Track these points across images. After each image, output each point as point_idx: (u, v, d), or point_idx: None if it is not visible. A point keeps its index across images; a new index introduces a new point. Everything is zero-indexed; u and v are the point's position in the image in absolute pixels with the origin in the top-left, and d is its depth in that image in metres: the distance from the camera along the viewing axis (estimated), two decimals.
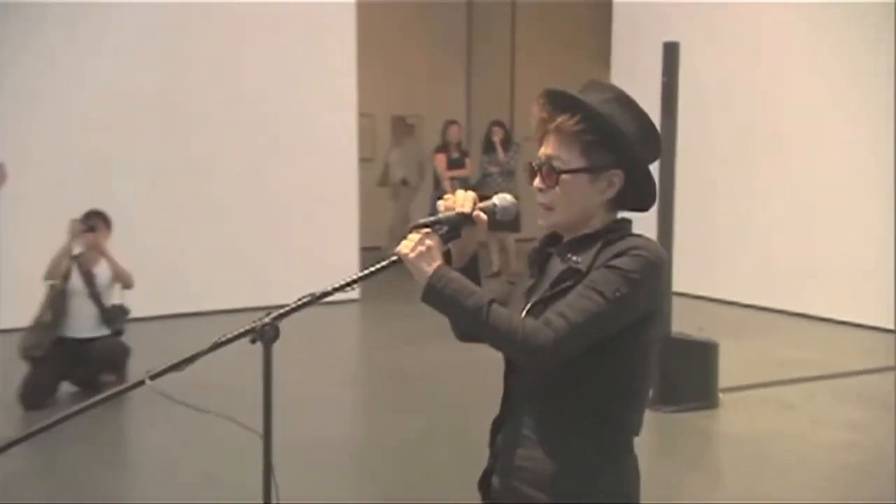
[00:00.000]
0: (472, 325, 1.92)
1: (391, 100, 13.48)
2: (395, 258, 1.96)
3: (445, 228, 2.00)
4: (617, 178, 1.99)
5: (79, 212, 6.27)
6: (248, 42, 9.12)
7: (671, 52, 6.18)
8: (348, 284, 1.95)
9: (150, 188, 8.42)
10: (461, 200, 2.02)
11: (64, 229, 6.18)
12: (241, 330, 1.87)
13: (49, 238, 6.29)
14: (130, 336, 6.37)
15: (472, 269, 2.08)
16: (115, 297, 6.31)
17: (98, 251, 6.23)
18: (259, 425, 1.91)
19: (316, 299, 1.90)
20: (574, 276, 1.92)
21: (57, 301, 6.14)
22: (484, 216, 2.03)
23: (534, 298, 1.99)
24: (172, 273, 8.20)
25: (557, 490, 1.94)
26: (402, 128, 12.92)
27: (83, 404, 1.92)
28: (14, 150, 5.94)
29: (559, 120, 1.97)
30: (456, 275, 1.94)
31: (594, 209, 2.00)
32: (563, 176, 1.97)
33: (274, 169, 9.21)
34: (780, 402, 6.37)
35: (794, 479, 5.11)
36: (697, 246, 9.05)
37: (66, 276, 6.15)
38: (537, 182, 2.02)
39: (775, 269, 9.24)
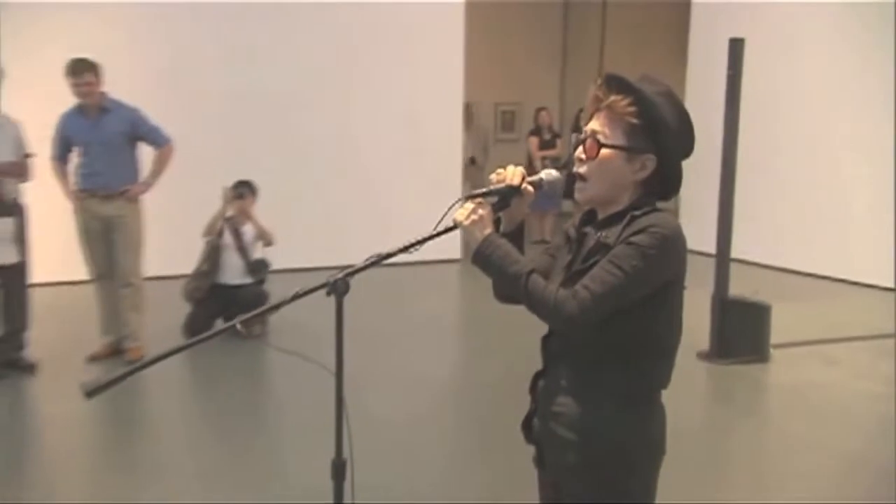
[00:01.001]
0: (512, 290, 1.86)
1: (495, 90, 13.35)
2: (452, 225, 1.92)
3: (496, 199, 1.93)
4: (650, 162, 1.89)
5: (230, 181, 6.40)
6: (371, 39, 9.08)
7: (736, 48, 5.89)
8: (410, 246, 1.91)
9: (287, 162, 8.51)
10: (511, 174, 1.95)
11: (216, 195, 6.33)
12: (317, 284, 1.85)
13: (203, 201, 6.46)
14: (270, 285, 6.49)
15: (517, 235, 2.01)
16: (258, 252, 6.42)
17: (245, 214, 6.35)
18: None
19: (381, 259, 1.88)
20: (602, 250, 1.84)
21: (212, 254, 6.31)
22: (531, 188, 1.96)
23: (570, 272, 1.91)
24: (306, 233, 8.30)
25: (586, 431, 1.88)
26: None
27: (188, 342, 1.94)
28: (179, 134, 6.07)
29: (612, 99, 1.88)
30: (503, 242, 1.88)
31: (625, 187, 1.90)
32: (604, 150, 1.88)
33: (389, 151, 9.19)
34: (826, 358, 6.07)
35: (834, 424, 4.90)
36: (756, 218, 8.69)
37: (219, 234, 6.31)
38: (579, 152, 1.93)
39: (824, 240, 8.80)
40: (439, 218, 1.96)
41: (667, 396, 1.97)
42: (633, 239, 1.79)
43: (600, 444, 1.87)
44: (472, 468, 4.28)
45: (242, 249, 6.32)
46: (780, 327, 6.08)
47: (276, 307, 1.86)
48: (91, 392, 1.75)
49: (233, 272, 6.33)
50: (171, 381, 5.58)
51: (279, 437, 4.66)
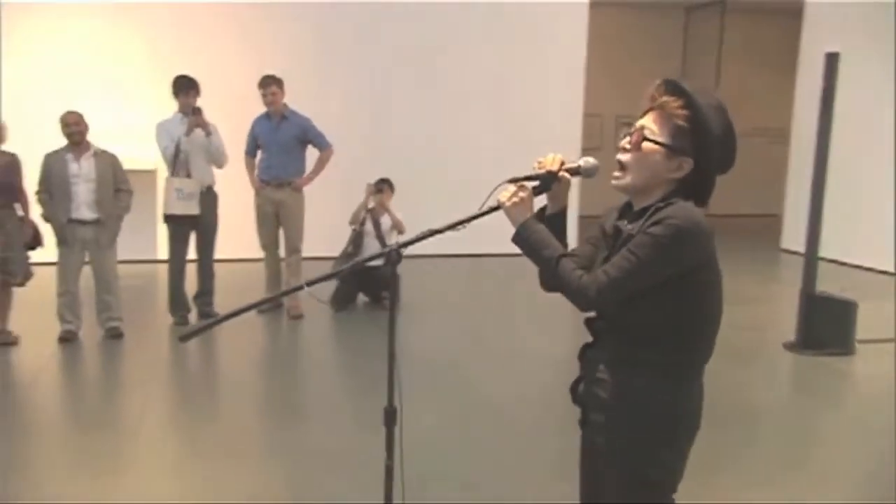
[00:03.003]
0: (544, 271, 1.80)
1: (616, 103, 12.92)
2: (495, 205, 1.85)
3: (537, 183, 1.84)
4: (687, 164, 1.75)
5: (372, 178, 6.53)
6: (506, 45, 8.86)
7: (832, 62, 5.40)
8: (459, 223, 1.88)
9: (418, 161, 8.44)
10: (550, 162, 1.87)
11: (361, 190, 6.47)
12: (375, 254, 1.85)
13: (349, 195, 6.62)
14: (402, 266, 6.50)
15: (561, 218, 1.92)
16: (393, 238, 6.47)
17: (383, 206, 6.45)
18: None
19: (432, 234, 1.87)
20: (629, 240, 1.73)
21: (356, 239, 6.44)
22: (568, 175, 1.87)
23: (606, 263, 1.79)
24: (431, 223, 8.26)
25: (622, 397, 1.78)
26: None
27: (256, 302, 1.96)
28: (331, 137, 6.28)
29: (664, 100, 1.76)
30: (540, 228, 1.81)
31: (659, 183, 1.77)
32: (646, 143, 1.76)
33: (511, 153, 8.77)
34: None
35: None
36: (844, 220, 7.92)
37: (362, 223, 6.43)
38: (625, 142, 1.81)
39: None
40: (485, 198, 1.88)
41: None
42: (649, 229, 1.69)
43: (633, 410, 1.77)
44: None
45: (380, 236, 6.41)
46: (867, 324, 5.52)
47: (336, 275, 1.86)
48: (183, 337, 1.81)
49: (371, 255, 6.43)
50: (326, 340, 5.81)
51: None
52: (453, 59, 8.70)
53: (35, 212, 5.28)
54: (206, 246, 5.93)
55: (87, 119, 5.30)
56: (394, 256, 1.82)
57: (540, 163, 1.88)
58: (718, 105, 1.76)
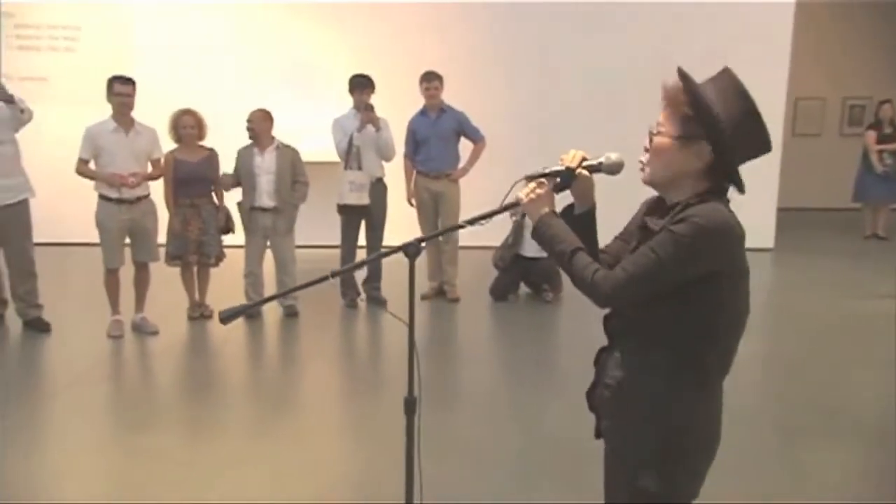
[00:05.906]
0: (559, 266, 1.76)
1: (841, 85, 11.61)
2: (514, 202, 1.83)
3: (557, 180, 1.79)
4: (705, 151, 1.62)
5: (531, 170, 6.49)
6: (691, 40, 8.23)
7: None
8: (478, 219, 1.90)
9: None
10: (569, 158, 1.81)
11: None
12: (395, 248, 1.90)
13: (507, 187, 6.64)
14: None
15: (589, 218, 1.85)
16: None
17: None
18: None
19: (450, 230, 1.90)
20: (651, 236, 1.64)
21: (517, 230, 6.47)
22: (586, 172, 1.80)
23: None
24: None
25: (631, 406, 1.71)
26: None
27: (283, 291, 2.09)
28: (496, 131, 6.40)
29: (670, 89, 1.67)
30: (557, 223, 1.78)
31: (684, 175, 1.66)
32: (656, 138, 1.67)
33: None
34: None
35: None
36: None
37: (522, 215, 6.42)
38: (647, 142, 1.72)
39: None
40: (504, 195, 1.87)
41: None
42: (672, 227, 1.59)
43: (642, 419, 1.68)
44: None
45: None
46: None
47: (361, 265, 1.94)
48: (225, 319, 1.98)
49: (532, 246, 6.37)
50: (481, 329, 5.96)
51: (547, 379, 4.72)
52: (643, 56, 8.37)
53: (228, 200, 5.97)
54: (374, 234, 6.31)
55: (285, 114, 5.98)
56: (412, 250, 1.86)
57: (562, 159, 1.83)
58: (733, 86, 1.63)
